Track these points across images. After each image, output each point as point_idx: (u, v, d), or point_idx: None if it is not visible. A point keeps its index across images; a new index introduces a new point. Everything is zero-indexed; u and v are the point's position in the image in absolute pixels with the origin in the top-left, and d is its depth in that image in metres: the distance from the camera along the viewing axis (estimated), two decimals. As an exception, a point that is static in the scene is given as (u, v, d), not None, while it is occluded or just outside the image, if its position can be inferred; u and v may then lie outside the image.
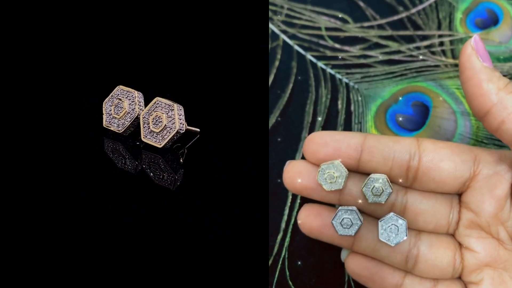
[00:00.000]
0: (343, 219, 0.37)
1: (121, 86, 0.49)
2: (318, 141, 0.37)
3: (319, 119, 0.48)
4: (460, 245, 0.38)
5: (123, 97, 0.48)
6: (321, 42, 0.51)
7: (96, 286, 0.39)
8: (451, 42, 0.50)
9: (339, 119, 0.48)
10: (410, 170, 0.37)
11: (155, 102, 0.47)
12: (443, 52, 0.50)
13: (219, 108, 0.51)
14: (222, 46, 0.55)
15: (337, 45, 0.51)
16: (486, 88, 0.34)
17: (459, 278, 0.39)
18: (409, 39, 0.51)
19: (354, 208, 0.37)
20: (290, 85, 0.49)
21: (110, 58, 0.54)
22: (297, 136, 0.47)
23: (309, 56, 0.50)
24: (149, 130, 0.47)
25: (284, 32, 0.51)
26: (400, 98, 0.48)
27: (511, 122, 0.34)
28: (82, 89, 0.52)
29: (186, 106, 0.48)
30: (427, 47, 0.50)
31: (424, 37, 0.51)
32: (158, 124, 0.46)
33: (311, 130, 0.47)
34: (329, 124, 0.48)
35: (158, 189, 0.45)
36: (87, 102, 0.50)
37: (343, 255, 0.40)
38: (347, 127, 0.48)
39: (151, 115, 0.47)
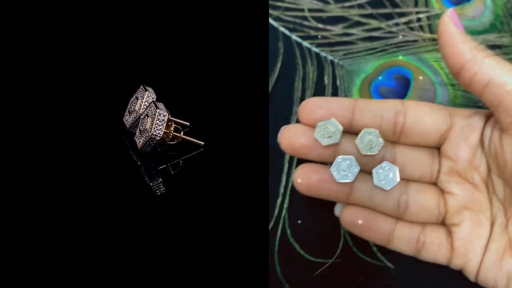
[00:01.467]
0: (341, 166, 0.40)
1: (143, 86, 0.49)
2: (313, 104, 0.41)
3: (308, 93, 0.50)
4: (442, 191, 0.43)
5: (139, 96, 0.49)
6: (305, 23, 0.53)
7: (97, 286, 0.40)
8: (428, 18, 0.53)
9: (326, 93, 0.51)
10: (397, 125, 0.42)
11: (151, 103, 0.48)
12: (421, 28, 0.53)
13: (219, 108, 0.51)
14: (222, 46, 0.56)
15: (320, 25, 0.53)
16: (461, 48, 0.40)
17: (442, 224, 0.43)
18: (388, 17, 0.53)
19: (351, 156, 0.40)
20: (278, 65, 0.52)
21: (110, 58, 0.54)
22: (288, 111, 0.49)
23: (294, 36, 0.53)
24: (139, 129, 0.48)
25: (270, 15, 0.53)
26: (380, 77, 0.51)
27: (481, 74, 0.39)
28: (82, 88, 0.52)
29: (186, 106, 0.49)
30: (405, 23, 0.53)
31: (402, 14, 0.54)
32: (143, 125, 0.47)
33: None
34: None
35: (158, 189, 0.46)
36: (87, 102, 0.51)
37: (337, 209, 0.43)
38: (334, 101, 0.50)
39: (144, 115, 0.48)
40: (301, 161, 0.43)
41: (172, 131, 0.48)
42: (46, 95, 0.51)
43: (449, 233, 0.42)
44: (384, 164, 0.41)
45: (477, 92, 0.40)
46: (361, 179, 0.42)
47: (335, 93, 0.51)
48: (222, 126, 0.50)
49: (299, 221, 0.45)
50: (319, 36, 0.53)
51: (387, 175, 0.41)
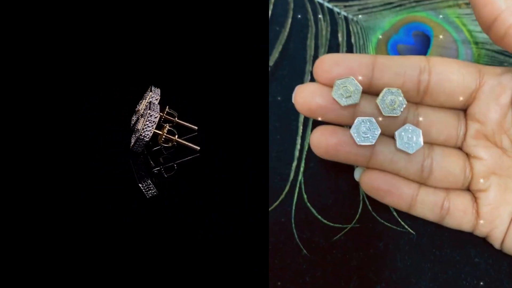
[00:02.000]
0: (362, 127, 0.37)
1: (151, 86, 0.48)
2: (330, 61, 0.38)
3: (322, 50, 0.47)
4: (468, 156, 0.40)
5: (145, 96, 0.48)
6: (317, -24, 0.50)
7: (97, 286, 0.39)
8: (448, -29, 0.50)
9: (341, 51, 0.48)
10: (421, 84, 0.38)
11: (150, 103, 0.46)
12: (441, -19, 0.50)
13: (219, 108, 0.50)
14: (222, 45, 0.55)
15: (333, -21, 0.50)
16: None
17: (468, 190, 0.40)
18: (406, -31, 0.50)
19: (372, 118, 0.38)
20: (289, 21, 0.49)
21: (111, 58, 0.54)
22: (301, 70, 0.47)
23: (305, -9, 0.50)
24: (135, 128, 0.46)
25: (278, -32, 0.50)
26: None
27: None
28: (82, 88, 0.51)
29: (186, 106, 0.48)
30: (424, -24, 0.50)
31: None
32: (137, 125, 0.46)
33: (313, 63, 0.47)
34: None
35: (158, 189, 0.44)
36: (87, 102, 0.50)
37: (357, 174, 0.41)
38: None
39: (139, 114, 0.46)
40: (317, 122, 0.40)
41: (165, 133, 0.46)
42: (46, 95, 0.50)
43: (475, 199, 0.40)
44: (407, 126, 0.38)
45: (510, 48, 0.36)
46: (382, 142, 0.39)
47: (349, 51, 0.48)
48: (222, 126, 0.49)
49: (316, 185, 0.42)
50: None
51: (410, 138, 0.38)
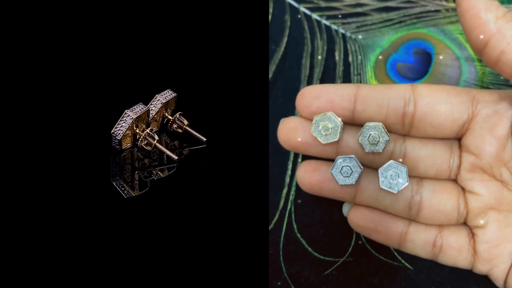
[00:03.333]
0: (342, 168, 0.35)
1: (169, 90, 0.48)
2: (309, 95, 0.36)
3: (317, 70, 0.45)
4: (463, 189, 0.37)
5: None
6: (315, -8, 0.48)
7: (97, 286, 0.39)
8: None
9: (337, 71, 0.46)
10: (406, 116, 0.35)
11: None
12: (444, -4, 0.48)
13: (219, 108, 0.50)
14: (222, 45, 0.54)
15: (331, -5, 0.48)
16: (484, 18, 0.32)
17: (464, 223, 0.38)
18: (407, -16, 0.48)
19: (353, 156, 0.36)
20: (285, 39, 0.47)
21: (111, 58, 0.53)
22: (295, 90, 0.45)
23: (302, 8, 0.48)
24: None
25: (275, -16, 0.48)
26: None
27: (510, 53, 0.32)
28: (82, 88, 0.51)
29: (186, 106, 0.48)
30: (426, -9, 0.48)
31: (423, -19, 0.48)
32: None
33: (309, 83, 0.45)
34: (327, 77, 0.45)
35: (158, 189, 0.44)
36: (87, 102, 0.50)
37: (345, 209, 0.39)
38: (346, 79, 0.45)
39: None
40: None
41: (146, 137, 0.46)
42: (47, 95, 0.50)
43: (472, 235, 0.37)
44: (391, 163, 0.35)
45: (505, 74, 0.33)
46: (366, 178, 0.37)
47: (347, 70, 0.46)
48: (222, 127, 0.48)
49: (306, 215, 0.40)
50: (324, 6, 0.47)
51: (394, 177, 0.35)
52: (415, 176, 0.37)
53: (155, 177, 0.45)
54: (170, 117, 0.48)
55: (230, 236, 0.41)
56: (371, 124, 0.35)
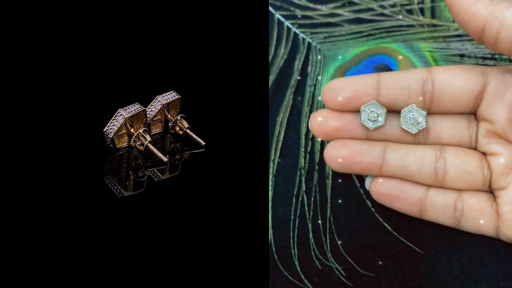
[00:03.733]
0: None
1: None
2: (335, 87, 0.38)
3: (270, 78, 0.45)
4: (484, 155, 0.39)
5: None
6: (295, 0, 0.48)
7: (97, 286, 0.40)
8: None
9: (293, 79, 0.45)
10: (426, 94, 0.38)
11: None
12: (421, 11, 0.45)
13: (219, 108, 0.50)
14: (221, 46, 0.55)
15: (310, 4, 0.47)
16: (475, 9, 0.36)
17: (488, 191, 0.39)
18: (386, -4, 0.46)
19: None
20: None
21: (110, 59, 0.54)
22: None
23: (278, 15, 0.48)
24: None
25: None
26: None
27: (506, 29, 0.35)
28: (82, 88, 0.52)
29: (187, 106, 0.48)
30: (404, 4, 0.45)
31: (403, -6, 0.45)
32: None
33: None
34: (280, 85, 0.45)
35: (158, 189, 0.45)
36: (86, 102, 0.51)
37: (367, 182, 0.40)
38: (300, 89, 0.45)
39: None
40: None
41: (140, 137, 0.47)
42: (46, 96, 0.51)
43: (494, 198, 0.39)
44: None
45: (505, 51, 0.36)
46: (391, 148, 0.39)
47: (303, 81, 0.45)
48: (222, 127, 0.49)
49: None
50: (299, 16, 0.47)
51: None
52: (438, 143, 0.39)
53: (145, 177, 0.46)
54: (171, 119, 0.48)
55: (230, 236, 0.42)
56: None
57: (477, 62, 0.44)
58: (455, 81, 0.38)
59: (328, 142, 0.39)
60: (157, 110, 0.47)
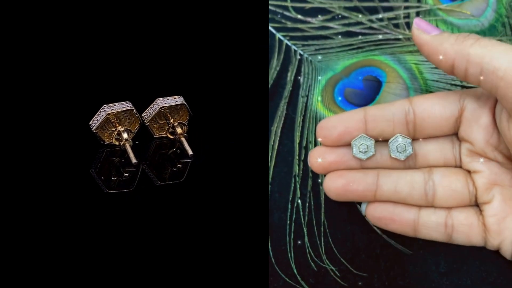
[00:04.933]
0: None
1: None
2: (327, 126, 0.42)
3: (264, 90, 0.47)
4: (469, 173, 0.42)
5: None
6: (285, 13, 0.50)
7: (96, 286, 0.40)
8: (418, 14, 0.47)
9: (286, 90, 0.47)
10: (409, 124, 0.41)
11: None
12: (407, 25, 0.47)
13: (218, 108, 0.51)
14: (221, 46, 0.55)
15: (299, 16, 0.49)
16: (443, 50, 0.38)
17: (475, 205, 0.42)
18: (374, 10, 0.48)
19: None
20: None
21: (109, 59, 0.54)
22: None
23: (269, 27, 0.50)
24: None
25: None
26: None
27: (472, 67, 0.37)
28: (81, 88, 0.52)
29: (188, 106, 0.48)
30: (390, 19, 0.47)
31: (390, 9, 0.48)
32: None
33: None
34: (273, 96, 0.47)
35: (158, 189, 0.45)
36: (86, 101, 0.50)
37: (363, 208, 0.43)
38: (293, 99, 0.47)
39: None
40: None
41: (115, 134, 0.47)
42: (46, 96, 0.52)
43: (480, 212, 0.41)
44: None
45: (475, 83, 0.38)
46: (384, 175, 0.42)
47: (295, 91, 0.47)
48: (222, 127, 0.50)
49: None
50: (289, 25, 0.49)
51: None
52: (426, 167, 0.42)
53: (122, 176, 0.46)
54: (171, 123, 0.48)
55: (230, 236, 0.43)
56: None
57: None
58: (434, 109, 0.41)
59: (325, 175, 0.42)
60: (153, 113, 0.47)
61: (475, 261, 0.42)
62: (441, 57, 0.38)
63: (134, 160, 0.46)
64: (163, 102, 0.47)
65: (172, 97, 0.48)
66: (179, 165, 0.48)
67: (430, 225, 0.41)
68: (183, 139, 0.48)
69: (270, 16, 0.50)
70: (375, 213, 0.42)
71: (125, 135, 0.47)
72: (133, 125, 0.48)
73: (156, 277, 0.41)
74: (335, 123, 0.41)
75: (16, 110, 0.50)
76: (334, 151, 0.42)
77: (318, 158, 0.42)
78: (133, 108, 0.47)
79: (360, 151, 0.41)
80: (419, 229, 0.41)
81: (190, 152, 0.47)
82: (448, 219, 0.41)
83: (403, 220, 0.41)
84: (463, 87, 0.46)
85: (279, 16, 0.49)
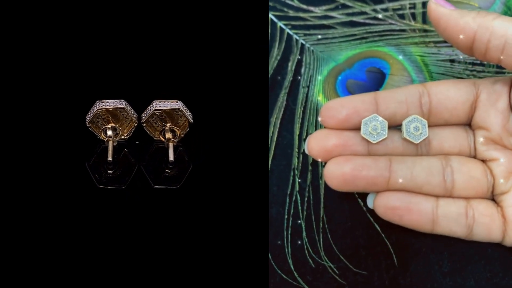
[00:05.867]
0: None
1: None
2: (334, 106, 0.39)
3: (264, 79, 0.46)
4: (485, 162, 0.40)
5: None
6: (288, 1, 0.48)
7: (96, 286, 0.40)
8: (424, 4, 0.46)
9: (286, 81, 0.46)
10: (423, 106, 0.39)
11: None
12: (413, 16, 0.46)
13: (218, 108, 0.49)
14: (221, 46, 0.54)
15: (303, 5, 0.48)
16: (463, 23, 0.37)
17: (492, 199, 0.40)
18: (379, 1, 0.46)
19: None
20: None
21: (108, 59, 0.54)
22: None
23: (271, 15, 0.48)
24: None
25: (253, -10, 0.49)
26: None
27: (495, 39, 0.36)
28: (81, 88, 0.51)
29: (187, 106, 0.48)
30: (396, 9, 0.46)
31: (395, -1, 0.46)
32: None
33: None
34: (277, 85, 0.46)
35: (156, 190, 0.45)
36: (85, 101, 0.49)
37: (370, 200, 0.39)
38: (294, 90, 0.45)
39: None
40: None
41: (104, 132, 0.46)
42: (46, 96, 0.51)
43: (498, 203, 0.39)
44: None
45: (495, 60, 0.37)
46: (397, 160, 0.38)
47: (295, 81, 0.45)
48: (221, 127, 0.48)
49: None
50: (290, 14, 0.47)
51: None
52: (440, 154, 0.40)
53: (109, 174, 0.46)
54: (167, 126, 0.47)
55: (230, 236, 0.42)
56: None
57: (467, 68, 0.45)
58: (449, 92, 0.39)
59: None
60: (148, 115, 0.46)
61: (480, 261, 0.41)
62: (461, 36, 0.37)
63: (109, 158, 0.45)
64: (158, 104, 0.46)
65: (170, 101, 0.46)
66: (169, 170, 0.47)
67: (451, 215, 0.38)
68: (170, 144, 0.46)
69: (271, 4, 0.48)
70: (389, 203, 0.38)
71: (109, 132, 0.46)
72: (126, 124, 0.47)
73: (155, 271, 0.40)
74: (343, 103, 0.38)
75: (15, 110, 0.50)
76: (339, 134, 0.38)
77: (319, 142, 0.38)
78: (124, 106, 0.46)
79: (370, 132, 0.38)
80: (438, 221, 0.38)
81: (171, 158, 0.45)
82: (469, 209, 0.38)
83: (421, 210, 0.38)
84: (470, 80, 0.44)
85: (281, 4, 0.48)
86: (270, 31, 0.47)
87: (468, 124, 0.40)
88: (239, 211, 0.43)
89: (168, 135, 0.46)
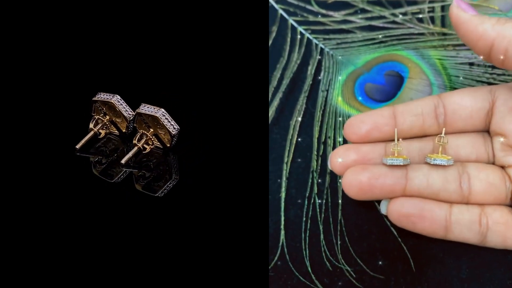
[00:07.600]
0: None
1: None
2: (355, 122, 0.40)
3: (284, 83, 0.46)
4: (503, 168, 0.40)
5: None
6: (308, 7, 0.49)
7: (96, 286, 0.41)
8: (443, 8, 0.46)
9: (306, 84, 0.46)
10: (439, 117, 0.40)
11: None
12: (432, 20, 0.46)
13: (218, 108, 0.50)
14: (221, 46, 0.55)
15: (323, 11, 0.48)
16: (482, 29, 0.37)
17: (508, 205, 0.39)
18: (397, 5, 0.47)
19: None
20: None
21: (108, 59, 0.55)
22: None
23: (291, 20, 0.49)
24: None
25: (274, -4, 0.50)
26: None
27: None
28: (80, 88, 0.52)
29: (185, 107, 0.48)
30: (414, 13, 0.46)
31: (414, 3, 0.46)
32: None
33: (274, 95, 0.46)
34: (293, 90, 0.46)
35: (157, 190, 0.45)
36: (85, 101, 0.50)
37: (383, 207, 0.40)
38: (313, 93, 0.46)
39: None
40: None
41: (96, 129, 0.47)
42: (46, 96, 0.52)
43: None
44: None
45: None
46: (413, 168, 0.39)
47: (315, 86, 0.46)
48: (222, 128, 0.49)
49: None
50: (303, 15, 0.48)
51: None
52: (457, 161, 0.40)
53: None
54: (147, 131, 0.47)
55: (230, 237, 0.42)
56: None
57: (486, 71, 0.45)
58: (464, 101, 0.39)
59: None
60: (135, 117, 0.46)
61: (500, 268, 0.40)
62: (480, 43, 0.37)
63: (77, 146, 0.46)
64: (142, 108, 0.46)
65: (153, 107, 0.45)
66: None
67: (464, 222, 0.38)
68: (134, 149, 0.46)
69: (292, 9, 0.49)
70: (403, 210, 0.38)
71: (91, 125, 0.47)
72: (116, 119, 0.47)
73: (156, 271, 0.40)
74: (363, 119, 0.40)
75: (15, 111, 0.51)
76: (358, 150, 0.40)
77: (339, 158, 0.39)
78: (112, 101, 0.46)
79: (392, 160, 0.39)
80: (451, 228, 0.38)
81: (123, 161, 0.45)
82: (483, 217, 0.38)
83: (434, 217, 0.38)
84: (489, 83, 0.44)
85: (300, 9, 0.48)
86: (290, 36, 0.48)
87: (487, 131, 0.40)
88: (239, 211, 0.43)
89: (135, 140, 0.46)
